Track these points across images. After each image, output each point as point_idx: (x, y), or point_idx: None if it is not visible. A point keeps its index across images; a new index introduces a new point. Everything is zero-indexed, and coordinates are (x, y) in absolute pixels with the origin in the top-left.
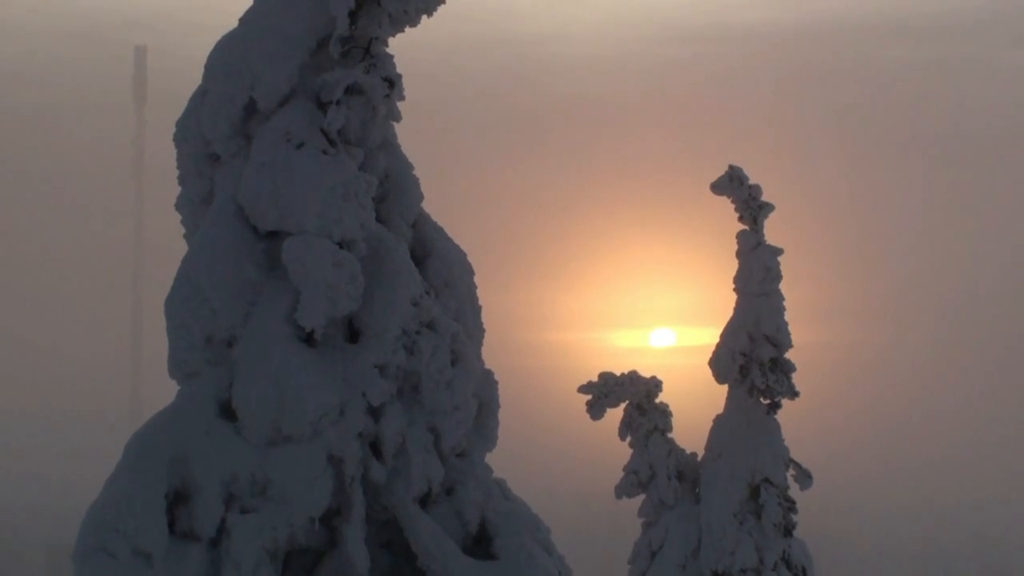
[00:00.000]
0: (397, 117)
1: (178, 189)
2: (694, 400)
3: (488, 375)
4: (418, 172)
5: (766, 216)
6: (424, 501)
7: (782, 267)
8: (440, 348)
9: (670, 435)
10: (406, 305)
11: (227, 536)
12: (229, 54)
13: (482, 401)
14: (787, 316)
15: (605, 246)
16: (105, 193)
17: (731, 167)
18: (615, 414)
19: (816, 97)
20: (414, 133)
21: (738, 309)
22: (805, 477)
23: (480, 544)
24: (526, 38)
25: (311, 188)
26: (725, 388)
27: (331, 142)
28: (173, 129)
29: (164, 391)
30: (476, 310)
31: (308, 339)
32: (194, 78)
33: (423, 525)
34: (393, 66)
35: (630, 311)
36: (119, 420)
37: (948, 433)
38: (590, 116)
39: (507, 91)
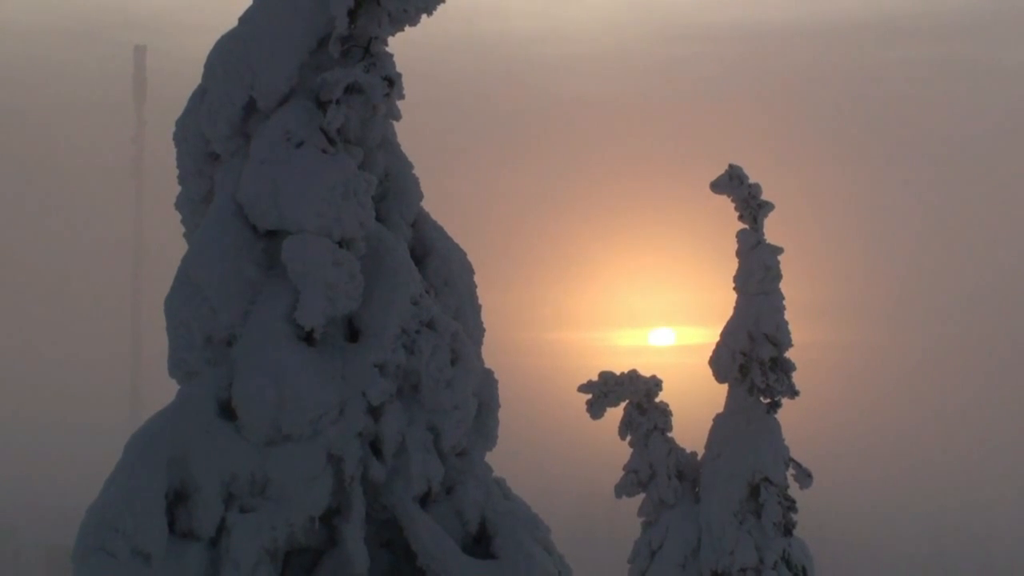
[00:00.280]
0: (397, 116)
1: (178, 188)
2: (694, 399)
3: (488, 374)
4: (418, 171)
5: (766, 215)
6: (424, 500)
7: (782, 266)
8: (440, 347)
9: (670, 434)
10: (406, 304)
11: (227, 535)
12: (229, 53)
13: (482, 400)
14: (787, 315)
15: (605, 245)
16: (105, 193)
17: (731, 166)
18: (615, 413)
19: (816, 97)
20: (414, 132)
21: (738, 308)
22: (805, 477)
23: (480, 543)
24: (526, 37)
25: (311, 187)
26: (725, 387)
27: (331, 141)
28: (173, 128)
29: (164, 391)
30: (476, 309)
31: (308, 338)
32: (194, 78)
33: (423, 524)
34: (393, 65)
35: (630, 311)
36: (119, 420)
37: (948, 433)
38: (590, 115)
39: (507, 91)
